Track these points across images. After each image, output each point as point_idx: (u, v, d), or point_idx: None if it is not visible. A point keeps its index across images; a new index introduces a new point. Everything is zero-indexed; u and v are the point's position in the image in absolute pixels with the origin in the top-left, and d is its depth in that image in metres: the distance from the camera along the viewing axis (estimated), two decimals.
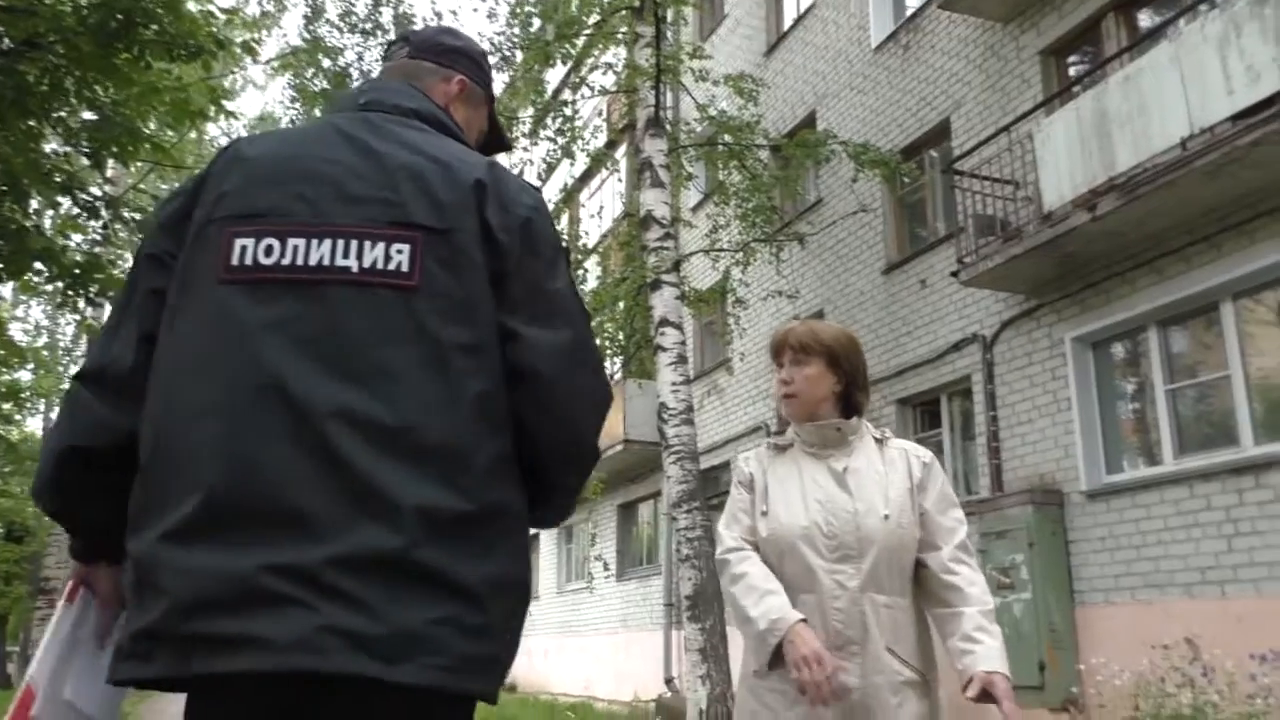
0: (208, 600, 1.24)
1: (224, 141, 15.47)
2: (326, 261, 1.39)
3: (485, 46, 11.56)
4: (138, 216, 8.75)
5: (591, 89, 12.04)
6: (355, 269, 1.39)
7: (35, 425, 25.87)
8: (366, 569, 1.26)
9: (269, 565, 1.24)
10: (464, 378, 1.38)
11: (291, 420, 1.31)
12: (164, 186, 13.43)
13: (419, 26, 10.93)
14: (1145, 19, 8.99)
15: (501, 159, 1.83)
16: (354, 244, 1.40)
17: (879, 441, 2.41)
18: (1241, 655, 6.08)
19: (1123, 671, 6.68)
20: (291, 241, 1.40)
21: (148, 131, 7.93)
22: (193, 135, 11.86)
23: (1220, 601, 7.30)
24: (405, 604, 1.26)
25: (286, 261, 1.39)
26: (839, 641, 2.20)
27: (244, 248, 1.40)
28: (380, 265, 1.39)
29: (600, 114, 15.65)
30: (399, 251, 1.39)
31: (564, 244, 1.57)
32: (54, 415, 26.25)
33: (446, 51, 1.76)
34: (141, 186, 10.11)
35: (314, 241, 1.40)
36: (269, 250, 1.40)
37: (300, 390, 1.32)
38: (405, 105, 1.61)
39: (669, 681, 14.38)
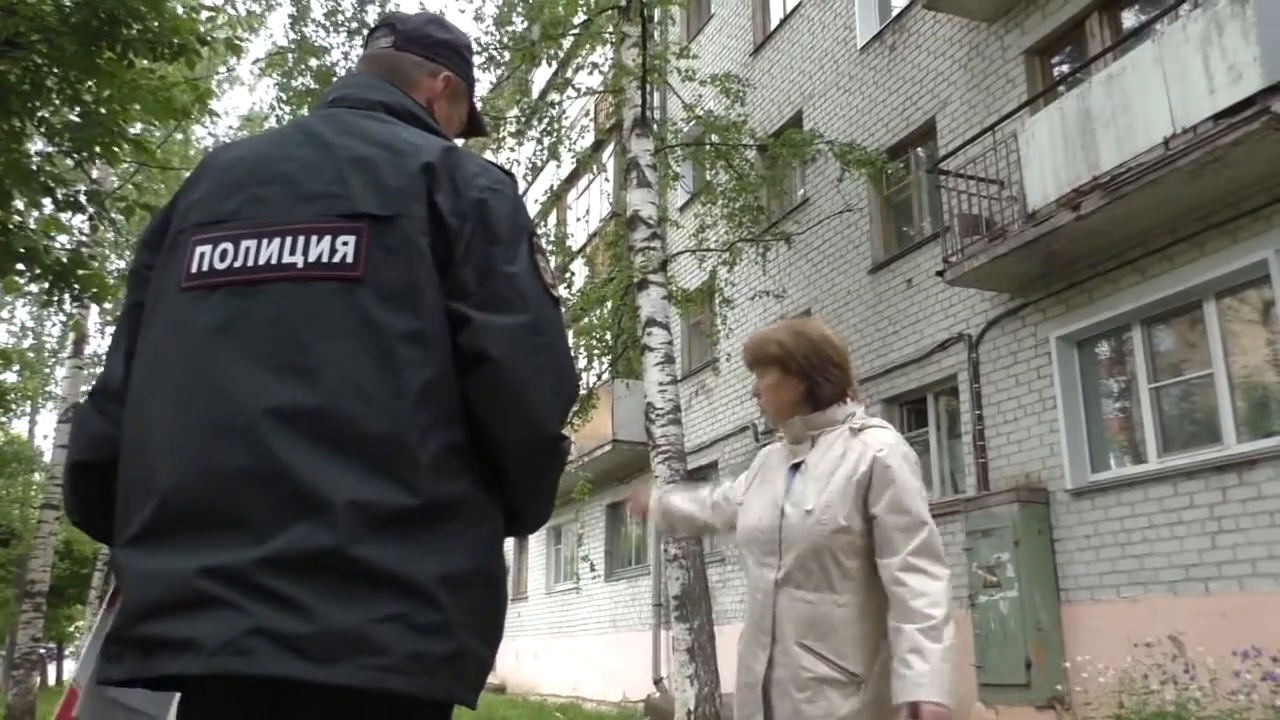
0: (155, 603, 1.25)
1: (210, 143, 15.44)
2: (274, 260, 1.39)
3: (473, 47, 11.60)
4: (122, 218, 8.72)
5: (577, 90, 12.03)
6: (300, 264, 1.38)
7: (21, 427, 25.77)
8: (300, 569, 1.24)
9: (205, 568, 1.24)
10: (408, 367, 1.34)
11: (231, 422, 1.31)
12: (159, 189, 13.38)
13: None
14: (1129, 19, 9.03)
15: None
16: (301, 240, 1.39)
17: (855, 432, 2.31)
18: (1225, 651, 6.11)
19: (1108, 669, 6.71)
20: (244, 244, 1.40)
21: (131, 131, 7.89)
22: (179, 136, 11.81)
23: (1204, 598, 7.34)
24: (344, 603, 1.24)
25: (238, 264, 1.40)
26: (754, 633, 2.29)
27: (202, 255, 1.41)
28: (325, 259, 1.38)
29: (587, 114, 15.65)
30: (344, 243, 1.38)
31: (529, 226, 1.50)
32: (39, 418, 26.17)
33: (434, 45, 1.73)
34: (130, 185, 10.06)
35: (264, 241, 1.40)
36: (223, 255, 1.40)
37: (239, 391, 1.32)
38: (371, 98, 1.59)
39: (658, 682, 14.39)
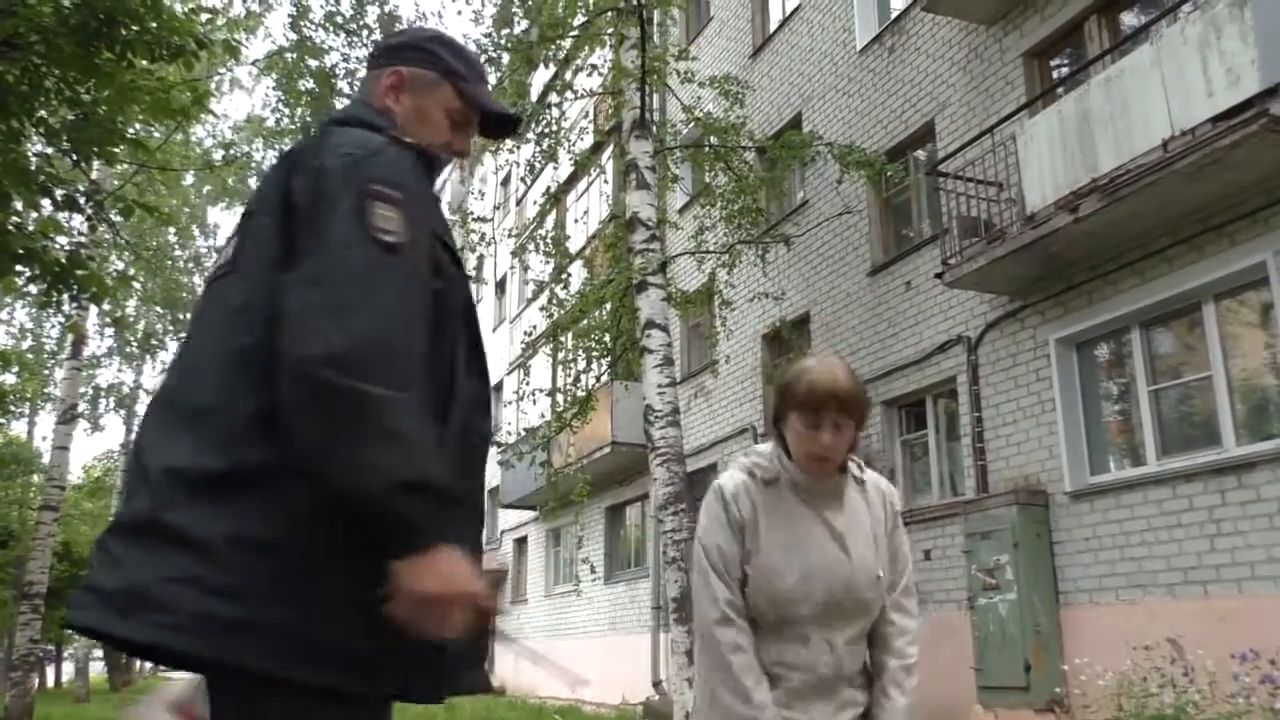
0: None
1: (210, 144, 15.45)
2: (211, 273, 1.64)
3: (470, 48, 11.57)
4: (120, 218, 8.72)
5: (575, 93, 12.02)
6: (212, 272, 1.62)
7: (20, 429, 25.76)
8: (126, 532, 1.39)
9: (97, 537, 1.45)
10: (230, 337, 1.45)
11: (146, 414, 1.55)
12: (160, 190, 13.40)
13: (403, 27, 10.93)
14: (1128, 21, 9.03)
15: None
16: (223, 252, 1.63)
17: (858, 482, 2.29)
18: (1223, 654, 6.10)
19: (1106, 672, 6.71)
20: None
21: (129, 131, 7.89)
22: (179, 137, 11.81)
23: (1203, 601, 7.33)
24: (146, 562, 1.33)
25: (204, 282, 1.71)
26: (819, 684, 2.18)
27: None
28: (224, 262, 1.59)
29: (586, 116, 15.65)
30: (233, 245, 1.58)
31: (367, 175, 1.46)
32: (38, 419, 26.17)
33: (385, 52, 1.83)
34: (129, 185, 10.05)
35: (216, 261, 1.66)
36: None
37: (160, 386, 1.57)
38: (335, 117, 1.71)
39: (657, 684, 14.37)
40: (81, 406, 12.92)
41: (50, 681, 34.87)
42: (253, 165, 14.24)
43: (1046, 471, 8.86)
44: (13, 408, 20.19)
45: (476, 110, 1.80)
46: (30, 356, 19.26)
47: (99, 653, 33.28)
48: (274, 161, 1.61)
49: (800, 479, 2.21)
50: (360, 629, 1.34)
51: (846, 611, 2.19)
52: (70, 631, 1.60)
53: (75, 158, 7.41)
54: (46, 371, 20.10)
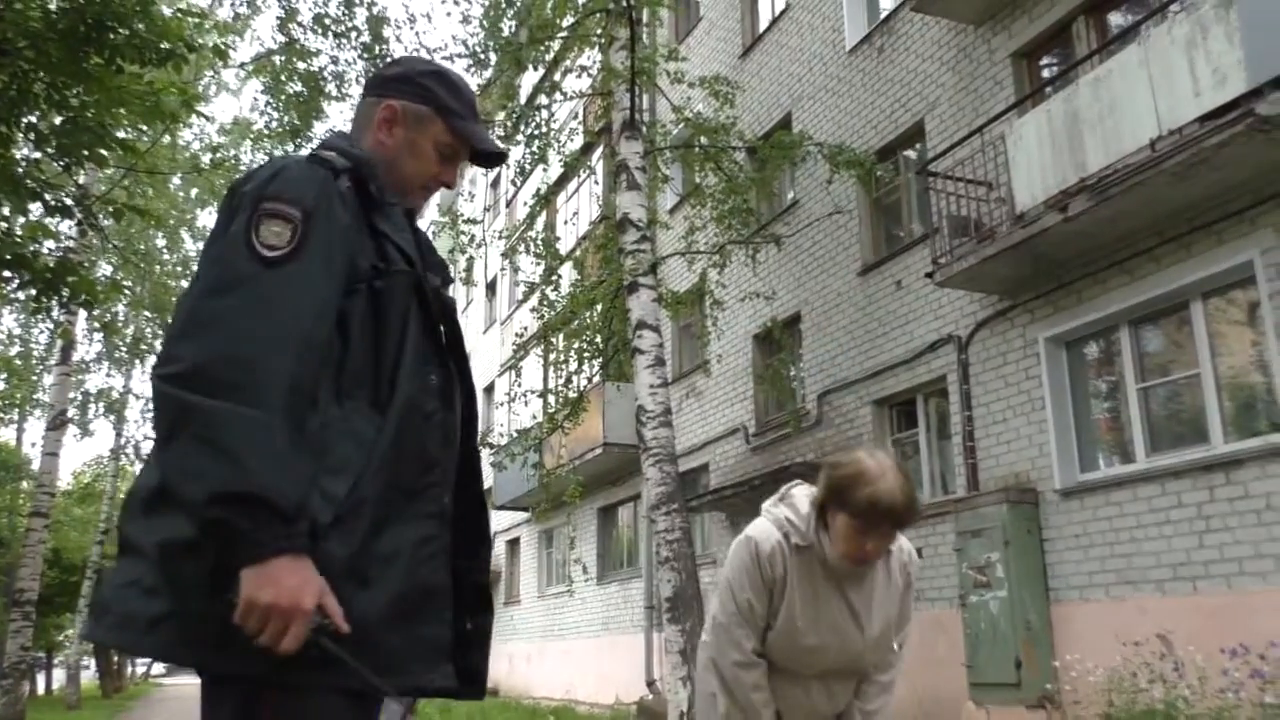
0: None
1: (197, 147, 15.41)
2: None
3: (458, 49, 11.55)
4: (110, 222, 8.71)
5: (565, 94, 12.03)
6: None
7: (9, 435, 25.63)
8: (118, 553, 1.54)
9: None
10: None
11: None
12: (148, 193, 13.35)
13: (390, 31, 10.90)
14: (1115, 21, 9.08)
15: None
16: None
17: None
18: (1213, 650, 6.15)
19: (1097, 668, 6.75)
20: None
21: (119, 135, 7.87)
22: (166, 140, 11.78)
23: (1192, 597, 7.38)
24: (111, 573, 1.50)
25: None
26: (813, 718, 2.47)
27: None
28: None
29: (576, 117, 15.65)
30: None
31: (261, 193, 1.53)
32: (27, 426, 26.04)
33: (381, 82, 1.88)
34: (119, 189, 10.02)
35: None
36: None
37: None
38: (312, 151, 1.75)
39: (651, 684, 14.39)
40: (71, 412, 12.88)
41: (41, 689, 34.68)
42: (240, 168, 14.21)
43: (1037, 469, 8.91)
44: (1, 414, 20.12)
45: (466, 146, 1.87)
46: (19, 362, 19.18)
47: (90, 660, 33.16)
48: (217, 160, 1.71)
49: (834, 561, 2.34)
50: None
51: (849, 673, 2.45)
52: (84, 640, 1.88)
53: (65, 162, 7.38)
54: (35, 377, 20.02)
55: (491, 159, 1.95)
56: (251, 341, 1.40)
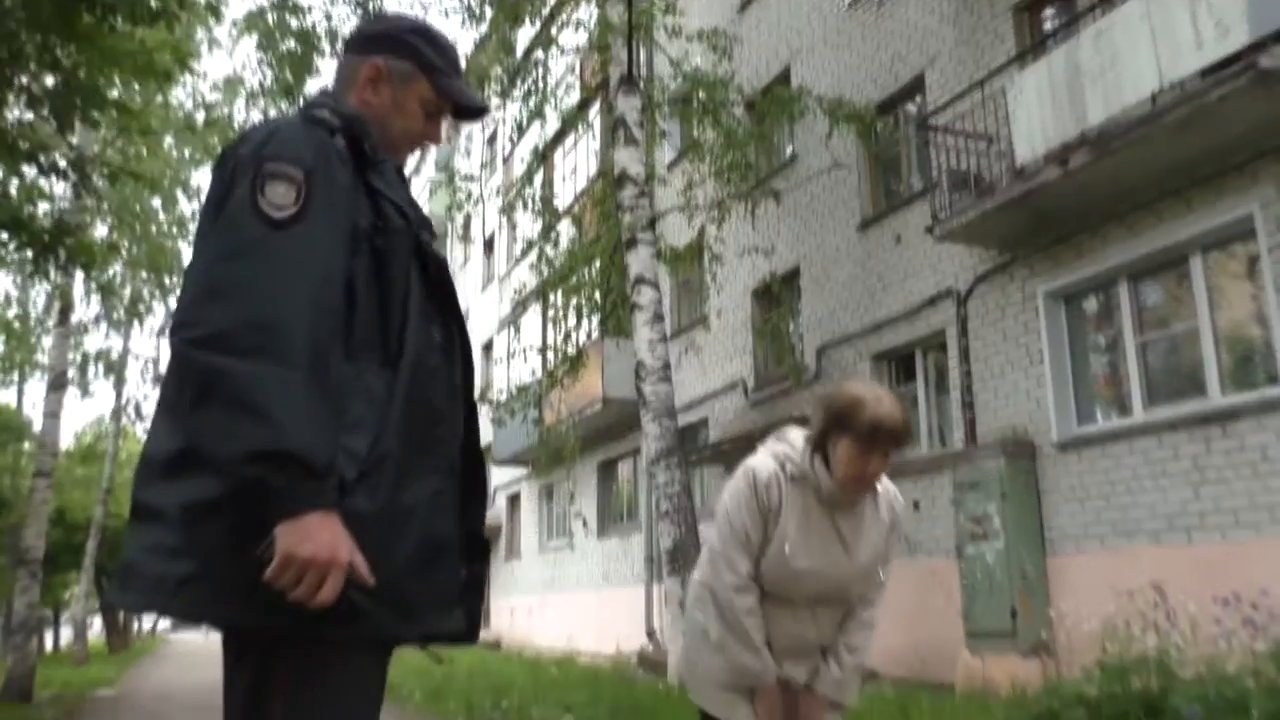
0: None
1: (190, 106, 15.27)
2: None
3: (453, 3, 11.40)
4: (105, 183, 8.67)
5: (561, 49, 11.90)
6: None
7: (9, 397, 25.68)
8: (130, 519, 1.56)
9: None
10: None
11: None
12: (142, 153, 13.25)
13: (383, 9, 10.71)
14: None
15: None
16: None
17: (873, 491, 2.55)
18: (1206, 599, 6.23)
19: (1091, 617, 6.83)
20: None
21: (112, 95, 7.81)
22: (159, 99, 11.68)
23: (1187, 548, 7.48)
24: (131, 538, 1.52)
25: None
26: (799, 647, 2.54)
27: None
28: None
29: (573, 72, 15.50)
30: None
31: (262, 156, 1.54)
32: (27, 387, 26.09)
33: (365, 40, 1.88)
34: (112, 150, 9.95)
35: None
36: None
37: None
38: (301, 110, 1.74)
39: (651, 635, 14.59)
40: (71, 373, 12.89)
41: (50, 646, 35.08)
42: (234, 127, 14.08)
43: (1034, 423, 8.97)
44: (1, 375, 20.14)
45: (450, 102, 1.88)
46: (17, 325, 19.15)
47: (95, 617, 33.51)
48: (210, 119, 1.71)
49: (830, 490, 2.44)
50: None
51: (835, 600, 2.54)
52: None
53: (57, 123, 7.33)
54: (34, 339, 20.00)
55: (474, 114, 1.98)
56: (272, 304, 1.43)
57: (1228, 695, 5.08)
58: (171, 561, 1.44)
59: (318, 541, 1.38)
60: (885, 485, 2.58)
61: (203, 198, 1.70)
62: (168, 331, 1.50)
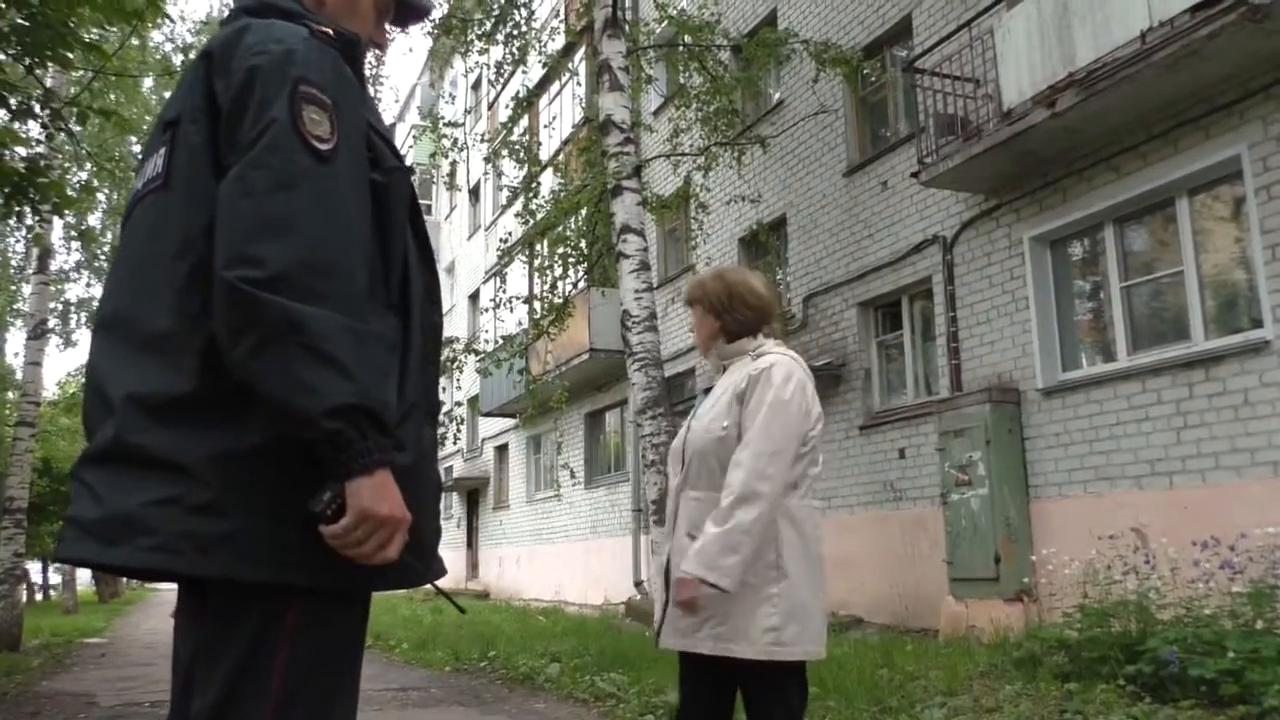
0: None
1: (168, 47, 14.98)
2: (136, 189, 1.56)
3: None
4: (79, 127, 8.48)
5: None
6: (140, 186, 1.55)
7: None
8: (98, 461, 1.41)
9: (73, 471, 1.46)
10: (179, 259, 1.42)
11: (92, 339, 1.53)
12: (119, 96, 13.01)
13: None
14: None
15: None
16: (149, 163, 1.54)
17: (754, 358, 2.71)
18: (1185, 542, 6.27)
19: (1072, 561, 6.88)
20: (135, 185, 1.59)
21: (85, 35, 7.61)
22: (135, 42, 11.43)
23: (1168, 492, 7.51)
24: (124, 489, 1.36)
25: (129, 202, 1.59)
26: (668, 529, 2.78)
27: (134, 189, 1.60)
28: (150, 175, 1.52)
29: (557, 16, 15.24)
30: (162, 156, 1.50)
31: (295, 76, 1.40)
32: (9, 336, 25.89)
33: None
34: (86, 92, 9.75)
35: (139, 176, 1.57)
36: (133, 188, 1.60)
37: (99, 308, 1.55)
38: (236, 6, 1.61)
39: (638, 584, 14.69)
40: (52, 322, 12.75)
41: (40, 596, 35.23)
42: None
43: (1019, 369, 8.96)
44: None
45: (396, 7, 1.78)
46: None
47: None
48: (196, 59, 1.50)
49: (708, 365, 2.90)
50: (290, 522, 1.38)
51: (680, 455, 2.73)
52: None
53: (27, 63, 7.15)
54: (14, 288, 19.78)
55: (422, 14, 1.87)
56: (329, 245, 1.33)
57: (1205, 637, 5.12)
58: (201, 518, 1.32)
59: (393, 499, 1.33)
60: (761, 360, 2.67)
61: None
62: (214, 268, 1.32)
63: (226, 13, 1.69)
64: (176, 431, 1.35)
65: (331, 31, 1.51)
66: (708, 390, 2.82)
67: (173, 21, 12.39)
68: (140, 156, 1.59)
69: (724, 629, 2.49)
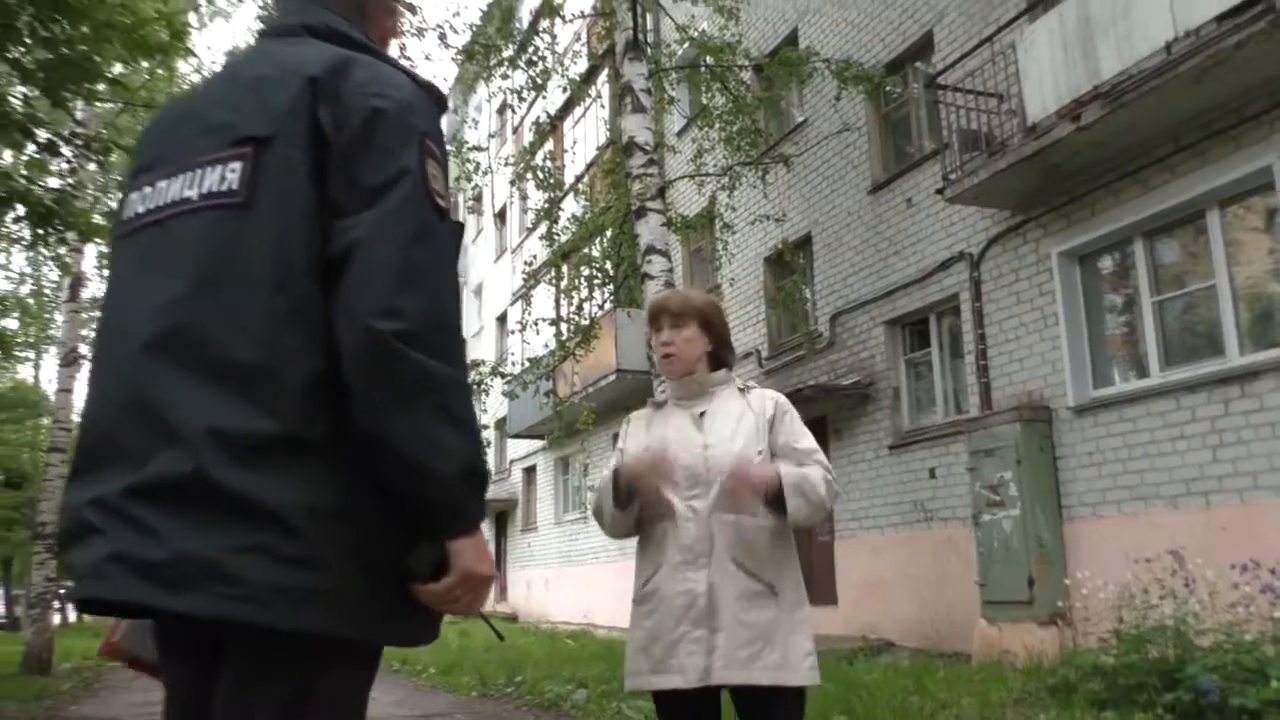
0: (63, 534, 1.36)
1: (196, 79, 15.20)
2: (177, 196, 1.42)
3: None
4: (106, 158, 8.60)
5: (564, 17, 11.72)
6: (195, 197, 1.40)
7: (26, 373, 25.89)
8: (159, 495, 1.26)
9: (90, 499, 1.31)
10: (277, 290, 1.33)
11: (123, 357, 1.36)
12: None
13: None
14: None
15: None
16: (199, 173, 1.41)
17: (742, 391, 2.70)
18: (1224, 565, 6.09)
19: (1108, 584, 6.72)
20: (159, 185, 1.45)
21: (109, 70, 7.74)
22: (162, 73, 11.60)
23: (1204, 512, 7.33)
24: (198, 530, 1.24)
25: (153, 205, 1.44)
26: (690, 556, 2.50)
27: (133, 201, 1.48)
28: (215, 188, 1.39)
29: (579, 40, 15.31)
30: (232, 170, 1.38)
31: (420, 129, 1.40)
32: (42, 363, 26.27)
33: None
34: (110, 126, 9.90)
35: (174, 180, 1.43)
36: (145, 199, 1.46)
37: (131, 326, 1.37)
38: (291, 22, 1.56)
39: None
40: (83, 349, 12.93)
41: (72, 618, 35.55)
42: None
43: (1050, 386, 8.81)
44: (16, 352, 20.26)
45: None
46: (30, 301, 19.24)
47: None
48: (272, 76, 1.42)
49: (675, 389, 2.73)
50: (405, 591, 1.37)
51: (700, 476, 2.55)
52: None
53: (51, 98, 7.27)
54: (47, 315, 20.09)
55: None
56: (452, 305, 1.37)
57: (1246, 664, 4.97)
58: (294, 570, 1.25)
59: (489, 559, 1.38)
60: (762, 392, 2.72)
61: None
62: (350, 313, 1.28)
63: (267, 26, 1.64)
64: (264, 475, 1.26)
65: (434, 88, 1.54)
66: (699, 414, 2.67)
67: (195, 55, 12.56)
68: (142, 156, 1.51)
69: (775, 657, 2.43)
